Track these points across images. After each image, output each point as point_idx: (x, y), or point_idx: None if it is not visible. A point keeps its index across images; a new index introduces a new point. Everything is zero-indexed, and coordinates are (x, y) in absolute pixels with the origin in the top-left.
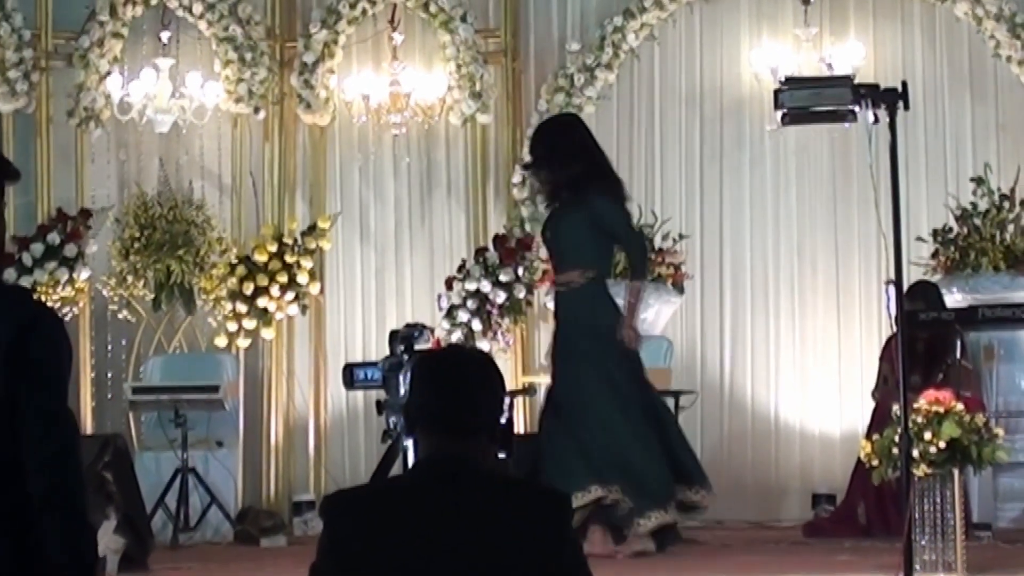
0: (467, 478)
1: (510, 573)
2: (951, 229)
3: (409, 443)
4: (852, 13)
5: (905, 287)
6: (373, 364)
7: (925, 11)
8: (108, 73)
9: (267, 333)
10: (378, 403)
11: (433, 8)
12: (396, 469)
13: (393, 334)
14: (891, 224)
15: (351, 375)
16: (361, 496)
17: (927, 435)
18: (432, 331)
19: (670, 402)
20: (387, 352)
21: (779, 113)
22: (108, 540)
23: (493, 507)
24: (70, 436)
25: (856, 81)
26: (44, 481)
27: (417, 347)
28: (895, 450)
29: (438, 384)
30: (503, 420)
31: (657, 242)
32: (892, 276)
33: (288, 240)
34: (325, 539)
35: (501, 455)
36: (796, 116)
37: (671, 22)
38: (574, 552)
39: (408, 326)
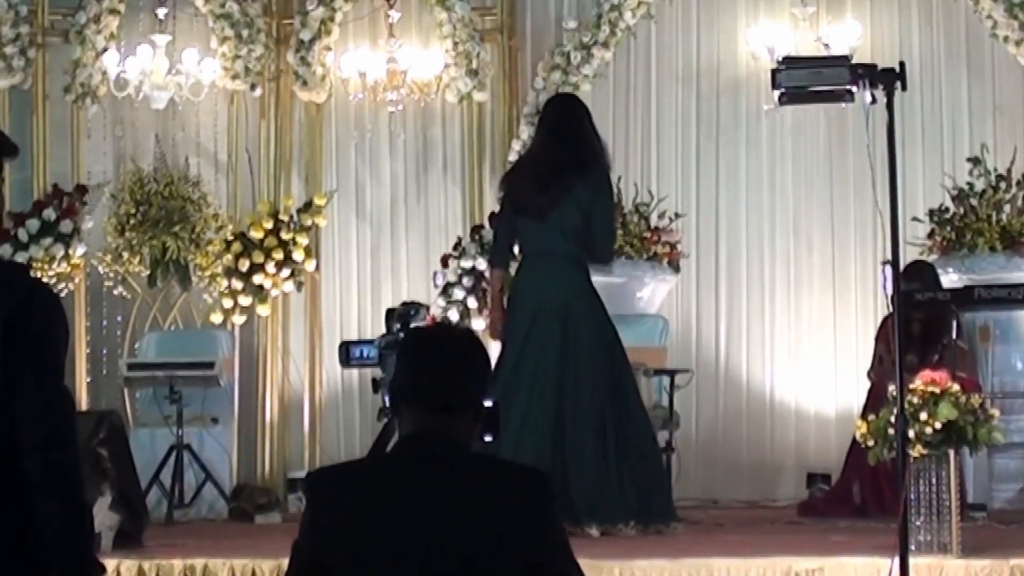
0: (449, 455)
1: (492, 551)
2: (947, 209)
3: None
4: None
5: (901, 267)
6: (369, 342)
7: None
8: (105, 49)
9: (263, 310)
10: (374, 381)
11: None
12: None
13: (389, 312)
14: (887, 204)
15: (347, 353)
16: (343, 473)
17: (923, 416)
18: (428, 308)
19: (666, 381)
20: (383, 330)
21: (776, 93)
22: (103, 517)
23: (475, 484)
24: (66, 415)
25: (853, 61)
26: (40, 461)
27: (413, 325)
28: (891, 431)
29: (423, 361)
30: (490, 403)
31: (653, 220)
32: (888, 256)
33: (284, 217)
34: (307, 516)
35: (487, 438)
36: (793, 96)
37: (668, 1)
38: (556, 530)
39: (404, 304)
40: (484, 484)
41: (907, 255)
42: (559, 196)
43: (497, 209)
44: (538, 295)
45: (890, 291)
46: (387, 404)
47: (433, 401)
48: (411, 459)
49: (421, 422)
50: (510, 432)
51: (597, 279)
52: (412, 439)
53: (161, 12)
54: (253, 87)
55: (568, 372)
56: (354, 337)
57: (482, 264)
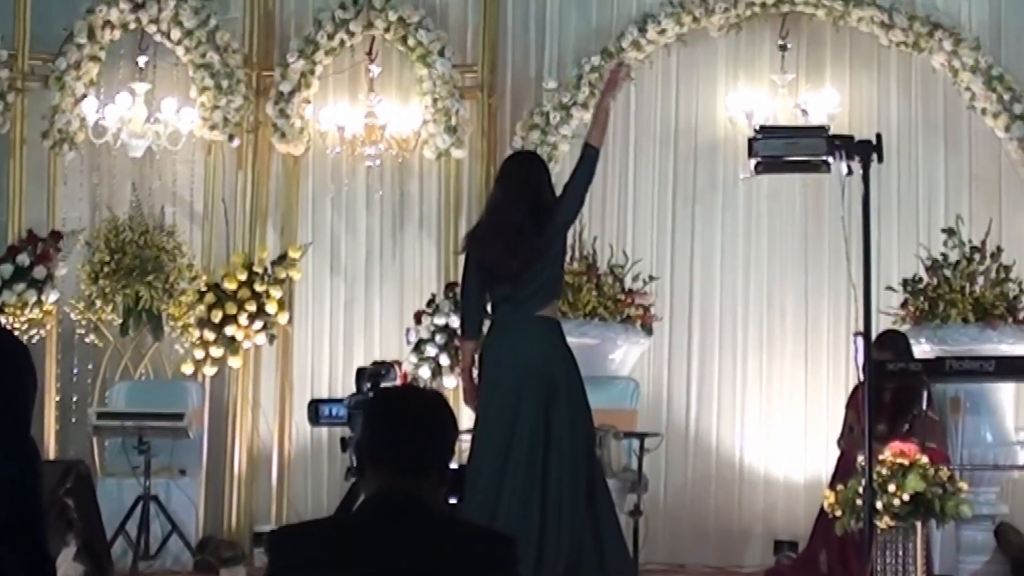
0: (415, 517)
1: None
2: (921, 279)
3: None
4: (829, 61)
5: (874, 337)
6: (339, 401)
7: (901, 61)
8: (84, 96)
9: (234, 362)
10: (343, 440)
11: (411, 42)
12: None
13: (360, 371)
14: (861, 276)
15: (316, 411)
16: (307, 532)
17: (891, 487)
18: (400, 365)
19: (635, 444)
20: (354, 387)
21: (753, 161)
22: (67, 567)
23: (440, 547)
24: (31, 466)
25: (831, 130)
26: (3, 510)
27: (383, 385)
28: (859, 501)
29: (390, 423)
30: (454, 465)
31: (627, 283)
32: (861, 327)
33: (258, 269)
34: (270, 574)
35: (452, 500)
36: (769, 165)
37: (648, 63)
38: None
39: (375, 364)
40: (449, 547)
41: (880, 324)
42: (531, 258)
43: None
44: (516, 358)
45: (861, 362)
46: (354, 464)
47: (399, 463)
48: (376, 520)
49: (387, 483)
50: (488, 495)
51: (570, 340)
52: (377, 500)
53: (141, 60)
54: (231, 138)
55: (552, 436)
56: (325, 391)
57: (455, 321)
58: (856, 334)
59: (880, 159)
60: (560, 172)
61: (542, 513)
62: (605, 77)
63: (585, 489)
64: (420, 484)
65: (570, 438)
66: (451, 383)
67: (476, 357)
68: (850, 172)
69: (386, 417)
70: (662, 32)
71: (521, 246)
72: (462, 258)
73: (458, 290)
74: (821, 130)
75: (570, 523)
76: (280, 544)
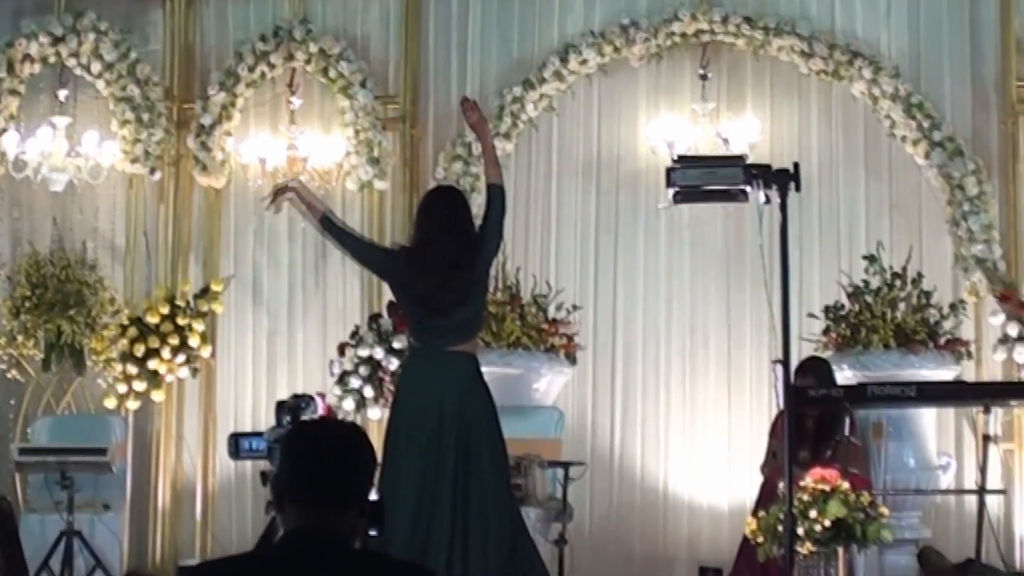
0: (334, 552)
1: None
2: (843, 306)
3: None
4: (749, 89)
5: (795, 364)
6: (259, 434)
7: (822, 89)
8: (4, 130)
9: (157, 395)
10: (263, 474)
11: (332, 73)
12: None
13: (280, 404)
14: (780, 304)
15: (236, 445)
16: (224, 569)
17: (812, 513)
18: (324, 397)
19: (560, 473)
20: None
21: (671, 191)
22: None
23: None
24: None
25: (750, 159)
26: None
27: (304, 418)
28: (780, 527)
29: (307, 458)
30: (374, 497)
31: (551, 312)
32: (780, 355)
33: (180, 302)
34: None
35: (372, 532)
36: (687, 194)
37: (570, 93)
38: None
39: (295, 396)
40: None
41: (802, 351)
42: (465, 294)
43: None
44: (434, 393)
45: (780, 389)
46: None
47: (317, 499)
48: (295, 556)
49: (305, 519)
50: (406, 527)
51: (494, 370)
52: (295, 536)
53: (62, 94)
54: (152, 171)
55: (472, 470)
56: (248, 424)
57: (379, 353)
58: (775, 362)
59: (798, 188)
60: (483, 203)
61: (464, 545)
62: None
63: (508, 523)
64: (339, 519)
65: (491, 471)
66: (376, 415)
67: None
68: (768, 201)
69: (303, 452)
70: (583, 62)
71: (457, 281)
72: (385, 289)
73: (382, 321)
74: (739, 159)
75: (496, 556)
76: None
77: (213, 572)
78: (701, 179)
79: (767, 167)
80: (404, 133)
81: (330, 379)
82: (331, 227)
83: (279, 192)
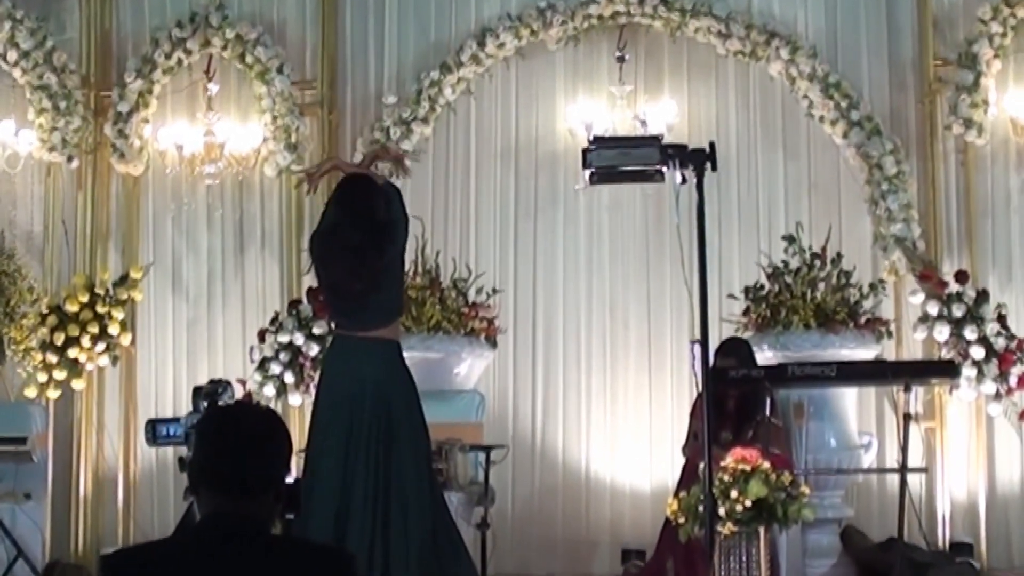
0: (250, 537)
1: None
2: (763, 286)
3: None
4: (667, 71)
5: (714, 345)
6: (176, 420)
7: (739, 70)
8: None
9: (77, 384)
10: (180, 460)
11: (249, 59)
12: None
13: (196, 390)
14: (698, 284)
15: (153, 431)
16: (141, 556)
17: (733, 493)
18: (244, 383)
19: (481, 456)
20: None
21: (587, 172)
22: None
23: (276, 567)
24: None
25: (666, 140)
26: None
27: (221, 403)
28: (701, 508)
29: (221, 443)
30: (290, 480)
31: (471, 296)
32: (697, 335)
33: (100, 290)
34: None
35: (289, 516)
36: (603, 175)
37: (488, 77)
38: None
39: (212, 382)
40: (286, 566)
41: (723, 332)
42: (375, 280)
43: (314, 283)
44: (355, 378)
45: (699, 369)
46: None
47: (231, 483)
48: (211, 541)
49: (220, 504)
50: (327, 513)
51: (415, 354)
52: (212, 520)
53: None
54: (70, 159)
55: (393, 454)
56: (169, 412)
57: (300, 339)
58: (692, 342)
59: (714, 167)
60: (401, 186)
61: (385, 530)
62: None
63: (429, 506)
64: (254, 503)
65: (412, 456)
66: (296, 401)
67: None
68: (684, 181)
69: (217, 437)
70: (501, 46)
71: (363, 268)
72: (305, 276)
73: (302, 307)
74: (655, 140)
75: (417, 541)
76: (114, 568)
77: (129, 559)
78: (617, 160)
79: (683, 147)
80: (322, 118)
81: (250, 365)
82: None
83: (313, 175)
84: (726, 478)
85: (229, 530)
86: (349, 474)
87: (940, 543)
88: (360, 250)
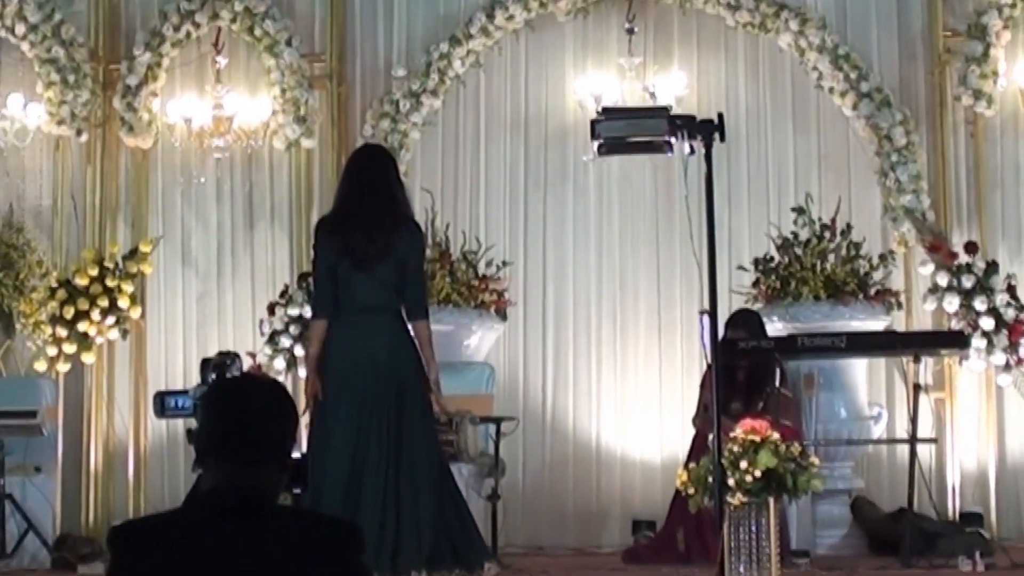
0: (255, 508)
1: None
2: (772, 258)
3: None
4: (676, 43)
5: (723, 317)
6: (184, 392)
7: (749, 42)
8: None
9: (87, 358)
10: (189, 431)
11: (258, 32)
12: None
13: (205, 362)
14: (707, 255)
15: (162, 403)
16: (149, 527)
17: (743, 464)
18: (254, 357)
19: (492, 429)
20: (200, 379)
21: (595, 143)
22: None
23: (281, 538)
24: None
25: (675, 112)
26: None
27: (229, 375)
28: (711, 479)
29: (227, 413)
30: (298, 454)
31: (481, 268)
32: (706, 306)
33: (109, 264)
34: (112, 571)
35: (296, 490)
36: (612, 146)
37: (497, 49)
38: None
39: (220, 354)
40: (291, 537)
41: (732, 304)
42: (385, 250)
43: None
44: (363, 351)
45: (707, 340)
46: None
47: (237, 454)
48: (217, 513)
49: (225, 475)
50: (338, 485)
51: None
52: (217, 492)
53: None
54: (79, 132)
55: (403, 427)
56: (179, 385)
57: (309, 312)
58: (701, 313)
59: (723, 138)
60: (411, 160)
61: (397, 502)
62: None
63: (438, 477)
64: (259, 475)
65: (422, 428)
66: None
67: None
68: (692, 152)
69: (223, 408)
70: (510, 18)
71: (378, 234)
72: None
73: (311, 280)
74: (663, 111)
75: (428, 511)
76: (122, 540)
77: (136, 530)
78: (625, 131)
79: (691, 118)
80: (331, 91)
81: (260, 339)
82: None
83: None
84: (736, 449)
85: (235, 501)
86: (361, 448)
87: (950, 513)
88: (378, 216)
